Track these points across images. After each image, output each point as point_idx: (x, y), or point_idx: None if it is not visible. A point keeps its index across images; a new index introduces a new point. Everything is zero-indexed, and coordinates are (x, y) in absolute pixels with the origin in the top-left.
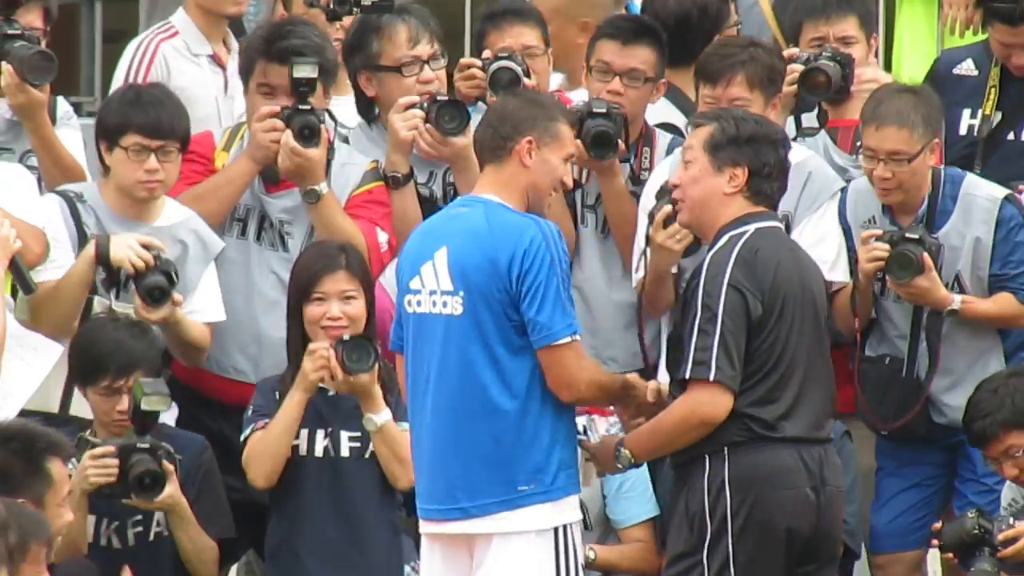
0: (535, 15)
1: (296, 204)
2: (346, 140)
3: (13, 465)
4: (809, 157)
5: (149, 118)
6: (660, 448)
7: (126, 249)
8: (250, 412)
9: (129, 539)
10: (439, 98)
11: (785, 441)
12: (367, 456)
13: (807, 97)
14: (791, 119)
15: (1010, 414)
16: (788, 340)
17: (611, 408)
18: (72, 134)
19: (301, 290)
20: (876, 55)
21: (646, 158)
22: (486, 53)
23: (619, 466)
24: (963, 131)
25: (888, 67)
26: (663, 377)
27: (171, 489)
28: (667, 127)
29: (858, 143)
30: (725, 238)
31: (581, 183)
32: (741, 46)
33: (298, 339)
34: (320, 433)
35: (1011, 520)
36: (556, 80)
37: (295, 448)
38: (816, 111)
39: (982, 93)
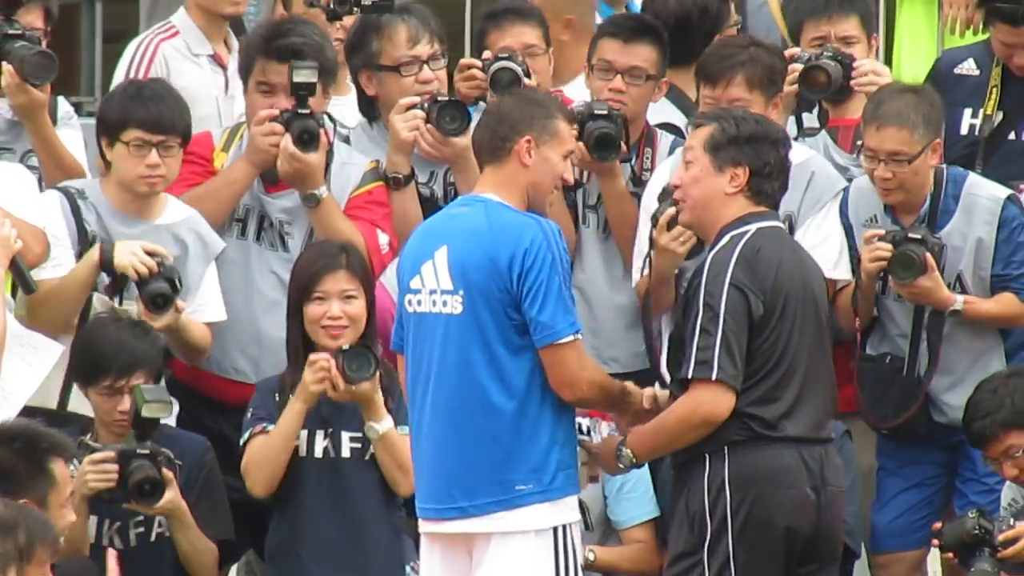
0: (536, 15)
1: (296, 204)
2: (347, 140)
3: (16, 465)
4: (812, 157)
5: (150, 113)
6: (662, 447)
7: (130, 255)
8: (249, 414)
9: (131, 539)
10: (440, 98)
11: (786, 441)
12: (368, 457)
13: (807, 95)
14: (792, 119)
15: (1009, 414)
16: (789, 339)
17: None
18: (73, 134)
19: (302, 289)
20: (876, 55)
21: (648, 159)
22: (486, 53)
23: (620, 466)
24: (964, 131)
25: (888, 67)
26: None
27: (171, 495)
28: (667, 127)
29: (858, 142)
30: (726, 238)
31: (582, 183)
32: (741, 46)
33: (298, 339)
34: (320, 434)
35: (1011, 520)
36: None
37: (295, 449)
38: (817, 111)
39: (983, 93)
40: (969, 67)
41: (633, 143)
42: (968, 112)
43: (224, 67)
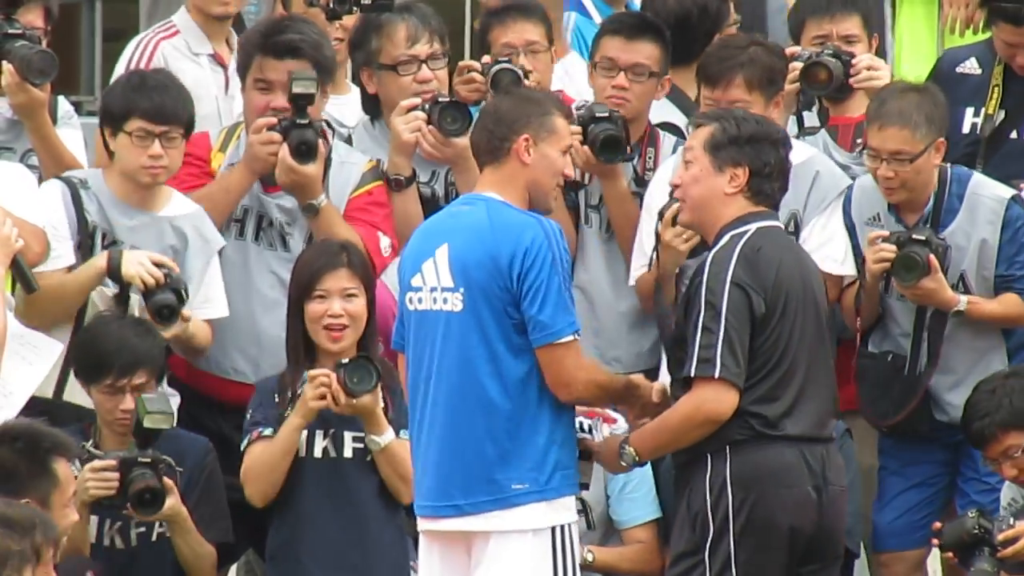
0: (539, 11)
1: (295, 204)
2: (348, 140)
3: (18, 465)
4: (815, 155)
5: (153, 103)
6: (665, 446)
7: (137, 266)
8: (248, 417)
9: (132, 539)
10: (441, 99)
11: (787, 439)
12: (370, 458)
13: (807, 91)
14: (793, 118)
15: (1008, 415)
16: (790, 338)
17: (615, 417)
18: (73, 133)
19: (302, 288)
20: (877, 55)
21: (650, 158)
22: (486, 58)
23: (623, 464)
24: (966, 129)
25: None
26: (664, 379)
27: (171, 501)
28: (668, 127)
29: (858, 140)
30: (727, 237)
31: (584, 183)
32: (740, 47)
33: (299, 338)
34: (319, 434)
35: (1011, 520)
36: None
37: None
38: (817, 109)
39: (985, 92)
40: (971, 66)
41: (635, 143)
42: (970, 111)
43: (225, 66)
